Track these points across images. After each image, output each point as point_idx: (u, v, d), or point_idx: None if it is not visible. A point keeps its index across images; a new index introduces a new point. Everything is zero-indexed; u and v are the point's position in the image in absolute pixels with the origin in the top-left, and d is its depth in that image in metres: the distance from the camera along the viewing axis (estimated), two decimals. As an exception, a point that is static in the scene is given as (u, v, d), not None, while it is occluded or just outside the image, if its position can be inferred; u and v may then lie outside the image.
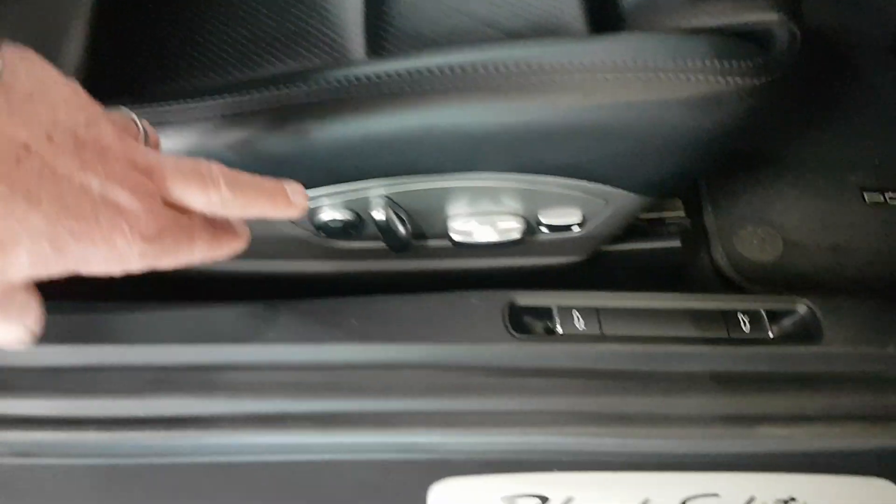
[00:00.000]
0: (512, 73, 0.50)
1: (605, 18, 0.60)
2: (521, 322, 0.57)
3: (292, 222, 0.61)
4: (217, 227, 0.43)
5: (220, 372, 0.53)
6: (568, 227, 0.64)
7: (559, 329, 0.56)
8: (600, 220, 0.64)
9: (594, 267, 0.72)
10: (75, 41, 0.60)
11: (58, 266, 0.35)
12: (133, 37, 0.62)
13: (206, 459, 0.53)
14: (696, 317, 0.56)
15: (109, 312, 0.56)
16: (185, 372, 0.53)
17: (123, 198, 0.36)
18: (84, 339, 0.53)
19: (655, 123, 0.52)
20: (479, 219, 0.63)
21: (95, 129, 0.36)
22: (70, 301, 0.52)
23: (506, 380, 0.55)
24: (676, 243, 0.73)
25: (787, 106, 0.90)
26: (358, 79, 0.51)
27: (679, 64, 0.49)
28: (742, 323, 0.56)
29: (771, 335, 0.56)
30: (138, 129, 0.43)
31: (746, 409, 0.53)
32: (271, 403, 0.52)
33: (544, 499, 0.52)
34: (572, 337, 0.56)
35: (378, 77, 0.51)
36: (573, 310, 0.57)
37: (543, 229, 0.65)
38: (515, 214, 0.63)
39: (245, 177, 0.42)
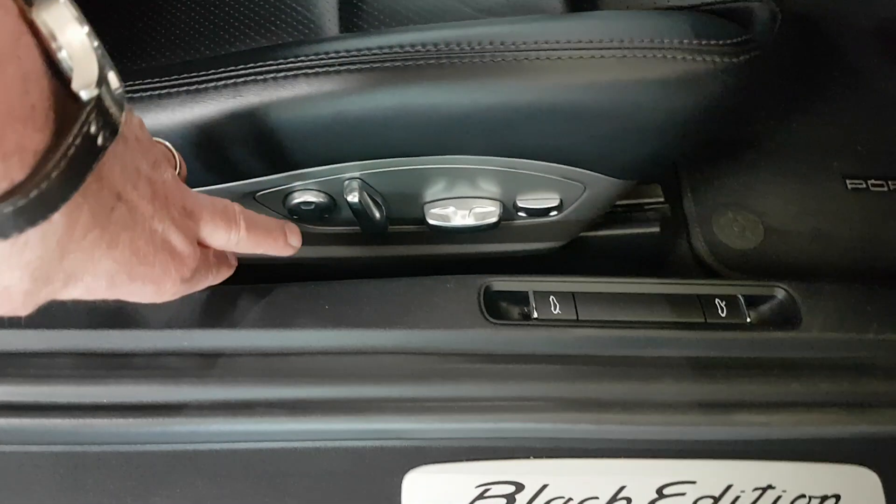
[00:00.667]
0: (487, 52, 0.49)
1: (582, -4, 0.59)
2: (496, 307, 0.56)
3: (264, 205, 0.60)
4: (218, 259, 0.47)
5: (187, 358, 0.52)
6: (546, 212, 0.63)
7: (535, 314, 0.55)
8: (578, 205, 0.63)
9: (573, 253, 0.71)
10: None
11: (102, 296, 0.37)
12: (103, 16, 0.60)
13: (174, 447, 0.51)
14: (673, 302, 0.55)
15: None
16: (150, 358, 0.52)
17: (178, 242, 0.38)
18: (45, 324, 0.52)
19: (633, 104, 0.51)
20: (457, 203, 0.62)
21: (160, 171, 0.37)
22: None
23: (481, 365, 0.54)
24: (656, 230, 0.72)
25: (769, 90, 0.89)
26: (329, 54, 0.49)
27: (656, 42, 0.49)
28: (719, 308, 0.55)
29: (749, 320, 0.55)
30: (176, 161, 0.44)
31: (723, 395, 0.52)
32: (240, 390, 0.51)
33: (519, 486, 0.51)
34: (548, 322, 0.55)
35: (349, 53, 0.49)
36: (549, 295, 0.56)
37: (521, 214, 0.64)
38: (493, 199, 0.62)
39: (258, 219, 0.46)
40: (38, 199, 0.28)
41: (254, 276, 0.58)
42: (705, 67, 0.49)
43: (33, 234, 0.29)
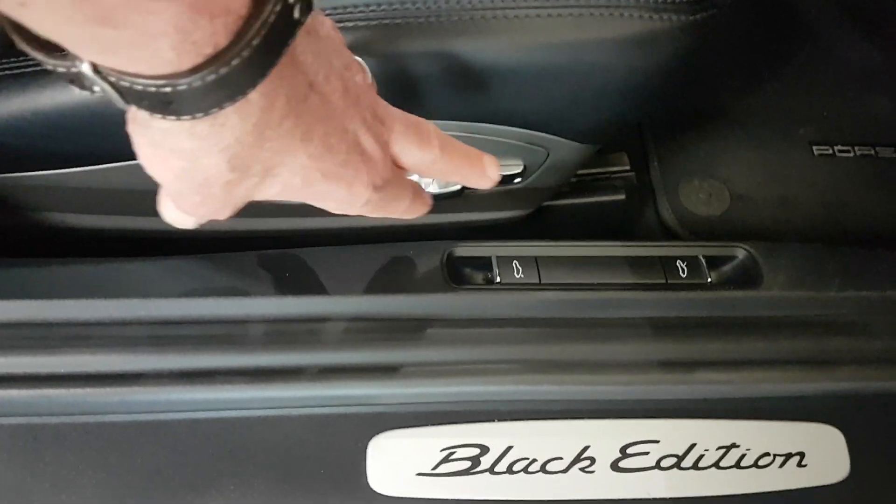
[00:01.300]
0: (442, 11, 0.49)
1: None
2: (460, 273, 0.56)
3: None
4: (414, 187, 0.45)
5: (145, 327, 0.51)
6: (510, 179, 0.63)
7: (498, 279, 0.55)
8: (542, 171, 0.63)
9: (538, 222, 0.71)
10: None
11: (297, 196, 0.37)
12: None
13: (134, 418, 0.51)
14: (634, 264, 0.56)
15: (33, 267, 0.54)
16: (107, 327, 0.51)
17: (369, 144, 0.37)
18: (1, 295, 0.51)
19: (590, 64, 0.50)
20: (419, 170, 0.61)
21: (351, 72, 0.37)
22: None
23: (444, 330, 0.54)
24: (621, 197, 0.72)
25: (736, 58, 0.89)
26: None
27: (613, 1, 0.48)
28: (680, 269, 0.55)
29: (710, 280, 0.55)
30: (367, 72, 0.42)
31: (685, 354, 0.53)
32: (200, 358, 0.51)
33: (484, 448, 0.51)
34: (511, 286, 0.55)
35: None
36: (513, 259, 0.56)
37: (485, 181, 0.63)
38: (456, 165, 0.61)
39: (456, 143, 0.44)
40: (238, 70, 0.28)
41: (212, 248, 0.58)
42: (662, 26, 0.49)
43: (232, 114, 0.29)
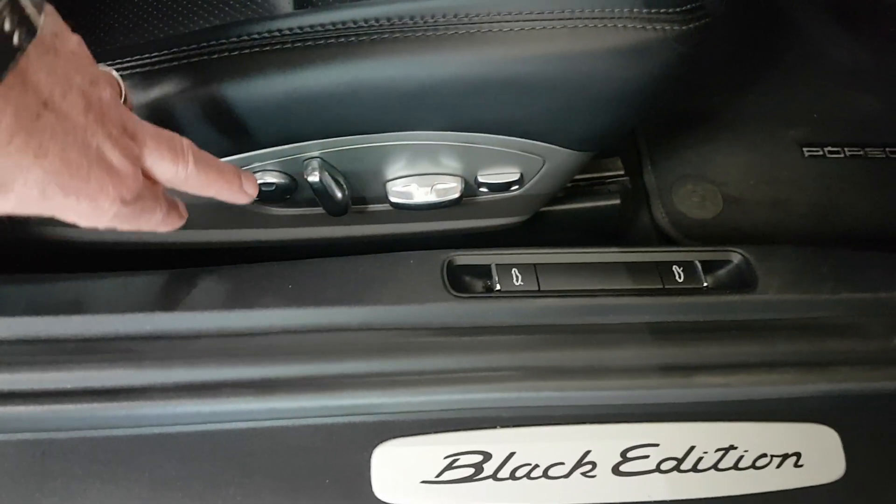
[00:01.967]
0: (440, 25, 0.49)
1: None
2: (460, 281, 0.57)
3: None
4: (169, 201, 0.46)
5: (151, 341, 0.52)
6: (507, 186, 0.64)
7: (498, 286, 0.56)
8: (539, 179, 0.63)
9: (535, 228, 0.72)
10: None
11: (38, 210, 0.37)
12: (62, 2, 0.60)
13: (141, 431, 0.51)
14: (632, 270, 0.56)
15: (37, 282, 0.54)
16: (114, 342, 0.52)
17: (115, 159, 0.38)
18: (6, 312, 0.51)
19: (585, 74, 0.51)
20: (418, 180, 0.62)
21: (97, 88, 0.37)
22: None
23: (446, 338, 0.54)
24: (616, 202, 0.73)
25: (727, 61, 0.90)
26: (282, 32, 0.49)
27: (607, 12, 0.49)
28: (677, 274, 0.56)
29: (706, 285, 0.56)
30: (122, 89, 0.43)
31: (683, 358, 0.53)
32: (206, 371, 0.51)
33: (487, 455, 0.51)
34: (511, 293, 0.55)
35: (303, 30, 0.50)
36: (512, 267, 0.57)
37: (483, 189, 0.64)
38: (454, 174, 0.62)
39: (210, 158, 0.45)
40: None
41: (216, 259, 0.58)
42: (656, 36, 0.49)
43: None
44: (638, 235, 0.79)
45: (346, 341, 0.54)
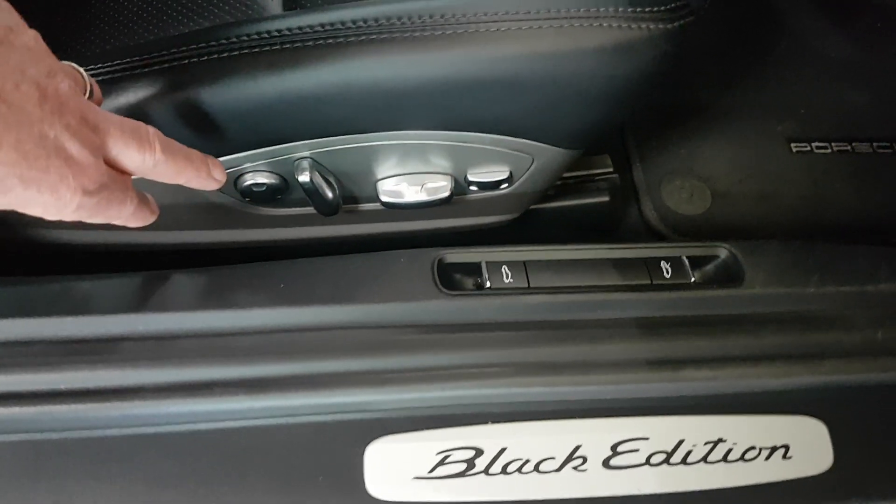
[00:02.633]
0: (427, 25, 0.50)
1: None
2: (450, 279, 0.57)
3: (218, 189, 0.60)
4: (140, 195, 0.46)
5: (144, 342, 0.52)
6: (497, 185, 0.64)
7: (488, 284, 0.56)
8: (528, 177, 0.64)
9: (525, 225, 0.72)
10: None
11: (2, 204, 0.37)
12: (51, 4, 0.60)
13: (135, 431, 0.52)
14: (620, 266, 0.57)
15: (30, 284, 0.54)
16: (106, 343, 0.52)
17: (75, 150, 0.38)
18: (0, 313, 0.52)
19: (572, 73, 0.52)
20: (408, 179, 0.62)
21: (55, 80, 0.38)
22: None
23: (437, 336, 0.55)
24: (605, 199, 0.74)
25: (714, 56, 0.91)
26: (271, 33, 0.50)
27: (592, 11, 0.50)
28: (664, 270, 0.57)
29: (693, 280, 0.57)
30: (86, 83, 0.44)
31: (672, 352, 0.54)
32: (198, 371, 0.52)
33: (479, 451, 0.52)
34: (501, 290, 0.56)
35: (292, 31, 0.50)
36: (502, 264, 0.57)
37: (473, 188, 0.65)
38: (444, 173, 0.62)
39: (176, 145, 0.45)
40: None
41: (208, 260, 0.58)
42: (641, 35, 0.50)
43: None
44: (627, 232, 0.80)
45: (337, 340, 0.54)
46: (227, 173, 0.58)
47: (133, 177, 0.45)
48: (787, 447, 0.54)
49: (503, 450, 0.52)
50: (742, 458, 0.53)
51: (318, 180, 0.59)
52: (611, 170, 0.76)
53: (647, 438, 0.53)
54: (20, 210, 0.38)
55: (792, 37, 0.95)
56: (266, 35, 0.50)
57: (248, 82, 0.50)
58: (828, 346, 0.56)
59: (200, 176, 0.47)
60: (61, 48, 0.57)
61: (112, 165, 0.42)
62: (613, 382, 0.53)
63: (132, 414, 0.51)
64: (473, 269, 0.58)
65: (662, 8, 0.50)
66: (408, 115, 0.55)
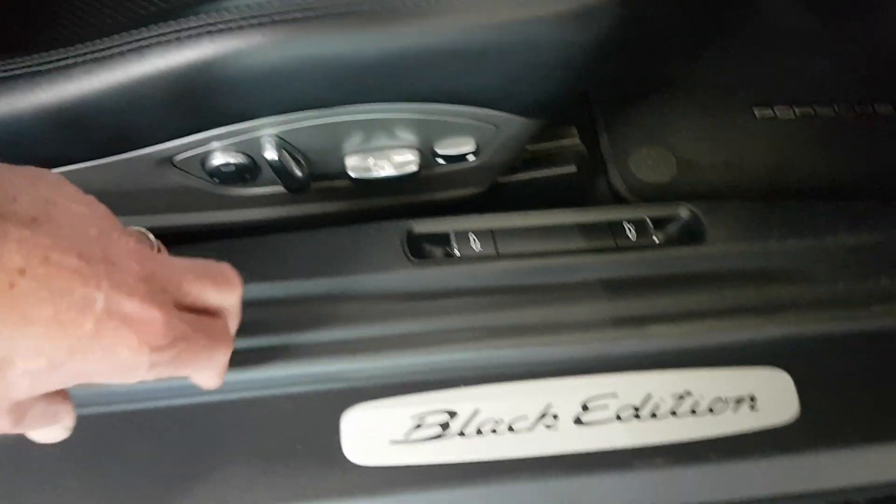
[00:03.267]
0: (385, -1, 0.51)
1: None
2: (420, 248, 0.58)
3: (184, 170, 0.61)
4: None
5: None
6: (463, 157, 0.65)
7: (457, 252, 0.57)
8: (494, 148, 0.65)
9: (494, 198, 0.73)
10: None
11: (59, 381, 0.35)
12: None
13: (111, 409, 0.52)
14: (585, 230, 0.58)
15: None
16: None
17: (130, 308, 0.35)
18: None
19: (530, 41, 0.52)
20: (375, 154, 0.63)
21: (105, 242, 0.36)
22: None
23: (408, 304, 0.56)
24: (572, 169, 0.75)
25: (677, 28, 0.92)
26: (230, 12, 0.50)
27: (546, -22, 0.50)
28: (628, 231, 0.58)
29: (656, 241, 0.58)
30: (151, 243, 0.43)
31: (636, 310, 0.55)
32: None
33: (452, 413, 0.53)
34: (469, 258, 0.57)
35: (250, 9, 0.50)
36: (469, 233, 0.58)
37: (440, 161, 0.65)
38: (411, 147, 0.63)
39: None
40: None
41: (179, 242, 0.59)
42: (597, 1, 0.51)
43: None
44: (595, 202, 0.81)
45: (310, 312, 0.55)
46: (195, 154, 0.59)
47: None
48: (753, 398, 0.55)
49: (476, 411, 0.53)
50: (710, 410, 0.54)
51: (286, 157, 0.59)
52: (577, 141, 0.77)
53: (615, 395, 0.54)
54: (87, 382, 0.36)
55: (757, 11, 0.97)
56: (226, 13, 0.50)
57: (210, 63, 0.50)
58: (790, 298, 0.58)
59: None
60: (11, 37, 0.57)
61: (198, 310, 0.40)
62: (581, 342, 0.54)
63: (108, 391, 0.52)
64: (442, 239, 0.59)
65: (616, -27, 0.51)
66: (370, 88, 0.56)
